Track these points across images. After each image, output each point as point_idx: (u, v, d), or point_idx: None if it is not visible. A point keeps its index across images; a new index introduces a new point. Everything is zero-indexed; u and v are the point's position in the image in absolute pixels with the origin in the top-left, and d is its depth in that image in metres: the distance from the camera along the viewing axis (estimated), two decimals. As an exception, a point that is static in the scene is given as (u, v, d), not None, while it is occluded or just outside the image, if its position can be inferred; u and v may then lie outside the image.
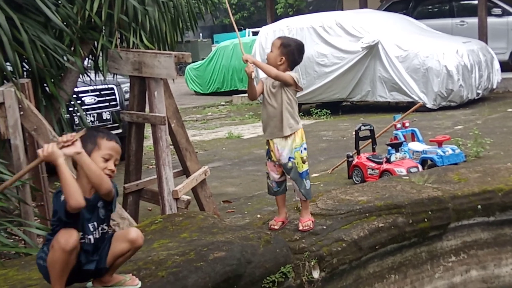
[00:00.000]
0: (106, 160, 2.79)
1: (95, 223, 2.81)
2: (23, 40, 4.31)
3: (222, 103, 17.91)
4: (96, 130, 2.86)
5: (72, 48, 5.04)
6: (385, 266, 4.11)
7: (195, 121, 14.64)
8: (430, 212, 4.22)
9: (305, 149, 3.80)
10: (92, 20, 5.03)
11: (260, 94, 3.79)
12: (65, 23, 4.79)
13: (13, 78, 4.30)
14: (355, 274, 3.95)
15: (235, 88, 19.71)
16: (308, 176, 3.84)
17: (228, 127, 13.01)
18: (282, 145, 3.74)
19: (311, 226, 3.80)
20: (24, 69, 4.97)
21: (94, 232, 2.81)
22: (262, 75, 14.04)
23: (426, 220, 4.19)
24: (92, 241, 2.80)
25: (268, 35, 13.89)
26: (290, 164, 3.74)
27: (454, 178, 4.76)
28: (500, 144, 8.15)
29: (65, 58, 4.87)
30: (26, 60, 4.80)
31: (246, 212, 6.25)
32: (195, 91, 20.92)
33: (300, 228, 3.80)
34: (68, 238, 2.62)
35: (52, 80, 4.85)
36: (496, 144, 8.03)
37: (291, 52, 3.75)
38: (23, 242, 4.38)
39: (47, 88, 4.99)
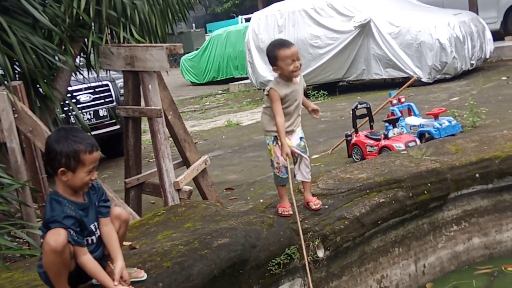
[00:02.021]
0: (89, 172, 2.73)
1: (95, 223, 2.83)
2: (12, 43, 4.29)
3: (219, 92, 17.90)
4: (74, 140, 2.68)
5: (63, 47, 5.02)
6: (388, 240, 4.14)
7: (193, 112, 14.65)
8: (429, 184, 4.24)
9: None
10: (81, 17, 5.02)
11: None
12: (53, 23, 4.77)
13: (5, 82, 4.30)
14: (359, 250, 3.98)
15: (231, 76, 19.70)
16: None
17: (226, 115, 13.03)
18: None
19: (321, 203, 3.86)
20: (16, 71, 4.97)
21: (96, 232, 2.83)
22: (258, 65, 13.92)
23: (426, 192, 4.22)
24: (95, 240, 2.81)
25: (260, 21, 13.88)
26: (302, 143, 3.80)
27: (452, 149, 4.79)
28: (496, 112, 8.17)
29: (56, 57, 4.85)
30: (16, 63, 4.79)
31: (249, 198, 6.28)
32: (191, 82, 20.91)
33: (313, 207, 3.83)
34: (57, 237, 2.58)
35: (45, 80, 4.84)
36: (492, 113, 8.05)
37: None
38: (27, 244, 4.40)
39: (40, 89, 4.98)
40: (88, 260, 2.71)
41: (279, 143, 3.74)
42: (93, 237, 2.80)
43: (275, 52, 3.65)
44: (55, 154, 2.68)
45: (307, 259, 3.57)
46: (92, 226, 2.79)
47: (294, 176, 3.90)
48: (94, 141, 2.77)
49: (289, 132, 3.76)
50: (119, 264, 2.78)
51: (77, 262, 2.69)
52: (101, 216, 2.85)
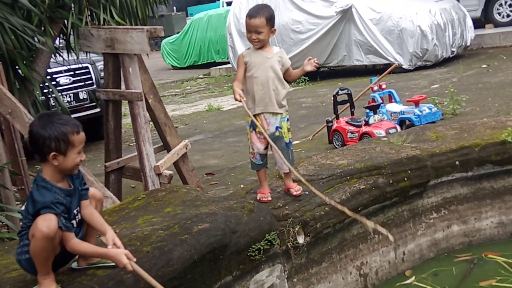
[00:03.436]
0: (79, 153, 2.74)
1: (78, 208, 2.82)
2: (-9, 23, 4.23)
3: (200, 76, 17.82)
4: (60, 123, 2.68)
5: (42, 28, 4.95)
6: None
7: (174, 96, 14.57)
8: (409, 171, 4.26)
9: (288, 119, 3.80)
10: (60, -2, 4.96)
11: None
12: (32, 3, 4.70)
13: (-16, 63, 4.24)
14: (339, 237, 4.00)
15: (212, 60, 19.60)
16: (292, 145, 3.85)
17: (207, 99, 12.98)
18: (271, 116, 3.72)
19: (302, 189, 3.84)
20: (-6, 52, 4.89)
21: (77, 216, 2.82)
22: (240, 49, 13.75)
23: (406, 179, 4.24)
24: (75, 224, 2.80)
25: (242, 5, 13.81)
26: (277, 133, 3.72)
27: (432, 136, 4.81)
28: (476, 100, 8.23)
29: (35, 39, 4.79)
30: (-5, 44, 4.72)
31: (229, 183, 6.27)
32: (172, 66, 20.77)
33: (294, 193, 3.83)
34: (49, 223, 2.58)
35: (24, 62, 4.78)
36: (472, 101, 8.11)
37: (273, 16, 3.74)
38: (6, 227, 4.36)
39: (19, 71, 4.92)
40: (77, 243, 2.73)
41: (256, 129, 3.71)
42: (73, 221, 2.80)
43: (246, 16, 3.73)
44: (43, 140, 2.66)
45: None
46: (75, 211, 2.80)
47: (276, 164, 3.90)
48: (78, 122, 2.78)
49: (262, 114, 3.69)
50: (109, 233, 2.80)
51: (67, 247, 2.70)
52: (81, 199, 2.85)
